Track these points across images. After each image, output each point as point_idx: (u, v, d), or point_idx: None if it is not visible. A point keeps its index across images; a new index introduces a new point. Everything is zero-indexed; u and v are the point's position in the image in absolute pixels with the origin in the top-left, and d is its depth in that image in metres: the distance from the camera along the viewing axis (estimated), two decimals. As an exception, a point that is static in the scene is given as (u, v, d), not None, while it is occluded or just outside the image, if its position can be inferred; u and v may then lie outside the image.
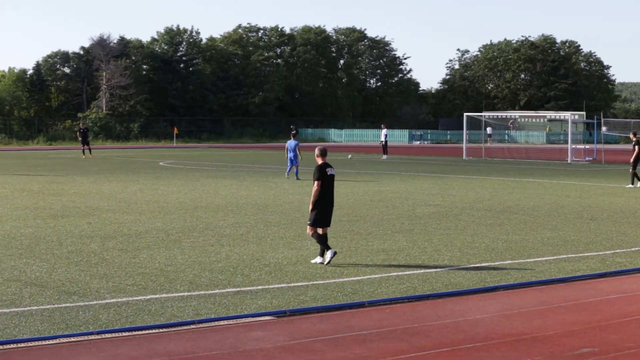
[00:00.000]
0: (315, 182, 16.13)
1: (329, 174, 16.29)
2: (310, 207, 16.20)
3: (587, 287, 14.28)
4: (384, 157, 61.42)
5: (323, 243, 16.08)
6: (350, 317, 12.02)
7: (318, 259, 16.10)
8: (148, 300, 12.80)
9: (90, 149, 61.24)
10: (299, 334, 11.12)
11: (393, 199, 28.87)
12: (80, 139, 62.10)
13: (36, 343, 10.55)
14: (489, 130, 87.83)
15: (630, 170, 35.66)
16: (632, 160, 35.76)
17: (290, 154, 37.89)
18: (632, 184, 35.12)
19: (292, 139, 38.77)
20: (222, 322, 11.64)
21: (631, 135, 37.98)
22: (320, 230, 16.19)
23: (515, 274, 15.17)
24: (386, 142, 63.21)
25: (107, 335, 10.90)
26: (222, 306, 12.49)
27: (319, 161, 16.49)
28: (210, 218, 23.12)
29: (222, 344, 10.61)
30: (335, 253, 16.03)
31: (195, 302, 12.74)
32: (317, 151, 16.74)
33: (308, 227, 16.34)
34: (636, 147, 35.70)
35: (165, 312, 12.07)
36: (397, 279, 14.64)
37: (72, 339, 10.71)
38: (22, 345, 10.49)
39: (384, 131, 63.52)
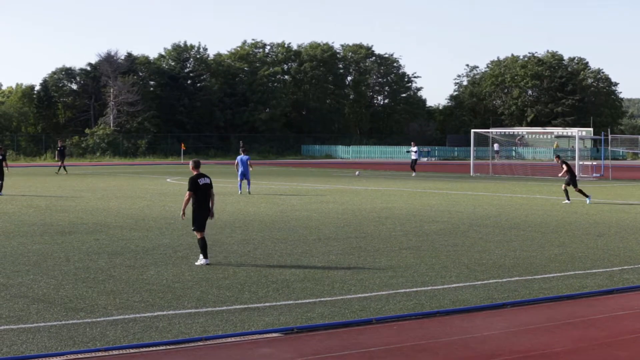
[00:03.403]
0: (187, 192, 18.00)
1: (201, 183, 18.09)
2: (182, 213, 18.26)
3: (594, 304, 14.25)
4: (414, 174, 61.40)
5: (204, 247, 17.86)
6: (358, 334, 12.01)
7: (203, 261, 17.76)
8: (155, 317, 12.80)
9: (60, 167, 61.11)
10: (307, 351, 11.10)
11: (400, 216, 28.86)
12: (57, 157, 62.08)
13: (43, 360, 10.56)
14: (496, 146, 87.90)
15: (575, 189, 35.76)
16: (568, 178, 35.98)
17: (242, 169, 38.53)
18: (587, 197, 35.22)
19: (242, 154, 39.52)
20: (229, 339, 11.63)
21: (555, 159, 38.47)
22: (197, 235, 18.00)
23: (522, 290, 15.14)
24: (416, 159, 63.91)
25: (115, 352, 10.90)
26: (230, 323, 12.48)
27: (194, 172, 18.27)
28: (218, 235, 23.12)
29: (230, 361, 10.61)
30: (209, 264, 17.68)
31: (202, 318, 12.74)
32: (191, 163, 18.60)
33: (196, 232, 18.03)
34: (564, 165, 36.12)
35: (173, 329, 12.07)
36: (404, 295, 14.62)
37: (80, 356, 10.71)
38: (30, 361, 10.50)
39: (414, 148, 64.35)
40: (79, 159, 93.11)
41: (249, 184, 39.12)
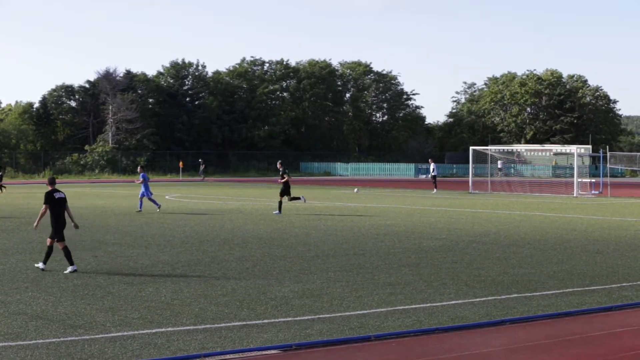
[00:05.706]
0: (44, 206, 19.52)
1: (56, 197, 19.53)
2: (35, 224, 20.36)
3: (593, 321, 14.24)
4: (434, 191, 61.53)
5: (48, 255, 19.51)
6: (357, 351, 11.99)
7: (40, 265, 19.42)
8: (154, 334, 12.78)
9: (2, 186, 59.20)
10: (305, 368, 11.09)
11: (399, 233, 28.85)
12: None
13: (42, 377, 10.55)
14: (499, 163, 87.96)
15: (287, 199, 37.77)
16: (282, 189, 37.73)
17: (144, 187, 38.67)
18: (301, 198, 38.72)
19: (143, 171, 40.16)
20: (228, 356, 11.61)
21: (278, 165, 39.42)
22: (59, 245, 19.31)
23: (521, 307, 15.13)
24: (435, 175, 64.14)
25: (113, 369, 10.89)
26: (228, 340, 12.47)
27: (49, 188, 19.79)
28: (216, 252, 23.12)
29: (228, 378, 10.59)
30: (75, 270, 18.99)
31: (201, 335, 12.73)
32: (47, 180, 20.33)
33: (48, 239, 19.62)
34: (285, 175, 38.03)
35: (171, 346, 12.06)
36: (403, 312, 14.61)
37: (78, 373, 10.70)
38: (28, 378, 10.49)
39: (432, 165, 64.66)
40: (77, 176, 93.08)
41: (154, 201, 39.13)
